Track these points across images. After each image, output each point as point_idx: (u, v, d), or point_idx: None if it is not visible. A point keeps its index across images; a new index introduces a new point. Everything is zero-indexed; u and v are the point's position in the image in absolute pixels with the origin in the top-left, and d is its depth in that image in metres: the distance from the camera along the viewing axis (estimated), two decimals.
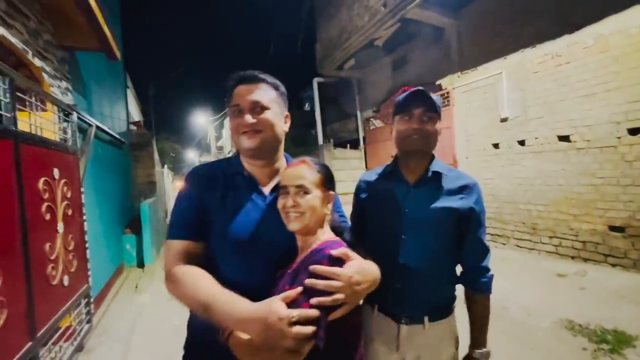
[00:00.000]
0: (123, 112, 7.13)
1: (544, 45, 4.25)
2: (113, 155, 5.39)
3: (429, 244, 1.03)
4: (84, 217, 3.17)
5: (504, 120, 4.85)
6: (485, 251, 1.06)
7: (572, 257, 4.08)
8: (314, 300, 0.68)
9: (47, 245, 2.29)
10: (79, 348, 2.71)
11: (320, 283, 0.70)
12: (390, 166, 1.15)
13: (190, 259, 0.84)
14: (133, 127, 7.82)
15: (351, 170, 7.94)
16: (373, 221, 1.13)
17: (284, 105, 0.96)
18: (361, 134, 8.46)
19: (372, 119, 8.05)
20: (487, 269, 1.06)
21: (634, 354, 2.22)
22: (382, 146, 7.35)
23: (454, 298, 1.09)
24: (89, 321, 3.01)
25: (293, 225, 0.81)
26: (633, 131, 3.48)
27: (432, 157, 1.10)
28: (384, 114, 7.53)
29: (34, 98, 2.30)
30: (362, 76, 8.46)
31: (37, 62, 2.64)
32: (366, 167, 8.09)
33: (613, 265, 3.69)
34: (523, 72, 4.52)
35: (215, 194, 0.89)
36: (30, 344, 1.90)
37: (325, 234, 0.84)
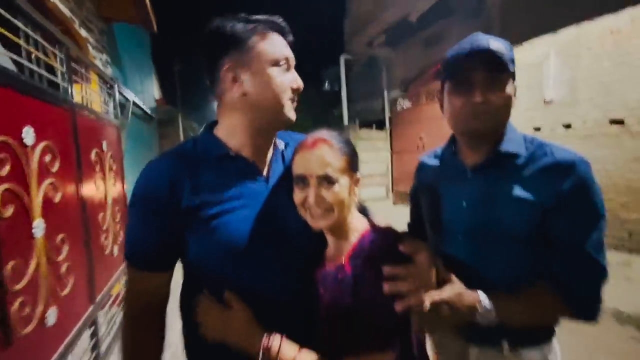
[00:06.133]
0: (151, 87, 7.16)
1: (604, 18, 3.91)
2: (143, 130, 5.46)
3: (498, 251, 0.75)
4: (126, 191, 3.25)
5: (548, 102, 4.58)
6: (589, 267, 0.70)
7: (615, 248, 3.92)
8: (399, 307, 0.60)
9: (100, 216, 2.35)
10: None
11: (402, 286, 0.61)
12: (446, 146, 0.89)
13: (157, 297, 0.72)
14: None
15: (376, 151, 7.81)
16: (426, 215, 0.89)
17: None
18: (387, 115, 8.24)
19: (399, 99, 7.80)
20: (591, 296, 0.71)
21: None
22: (410, 128, 7.14)
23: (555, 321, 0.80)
24: None
25: (318, 224, 0.67)
26: None
27: (504, 132, 0.78)
28: (413, 94, 7.27)
29: (83, 69, 2.30)
30: (391, 54, 8.14)
31: (83, 32, 2.62)
32: (391, 148, 7.93)
33: None
34: (576, 49, 4.20)
35: (193, 188, 0.67)
36: (91, 307, 1.99)
37: (355, 218, 0.72)
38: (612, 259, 3.83)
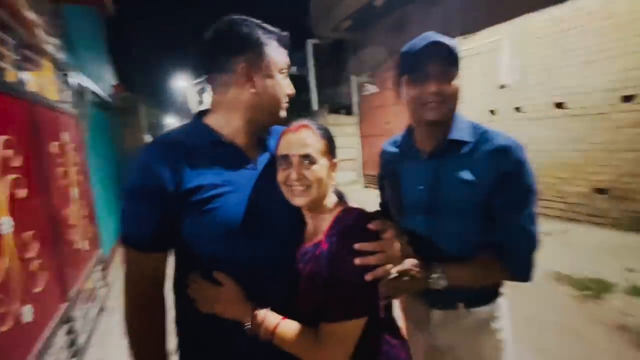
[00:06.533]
0: (108, 73, 6.69)
1: (549, 9, 4.23)
2: (102, 119, 5.15)
3: (451, 227, 0.86)
4: (91, 183, 3.12)
5: (502, 87, 4.92)
6: (523, 237, 0.81)
7: (557, 217, 4.40)
8: (369, 277, 0.68)
9: (67, 211, 2.27)
10: (101, 309, 2.80)
11: (371, 259, 0.68)
12: (404, 135, 0.99)
13: (158, 277, 0.76)
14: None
15: (345, 137, 7.95)
16: (390, 197, 0.99)
17: None
18: (355, 100, 8.36)
19: (367, 84, 7.93)
20: (526, 260, 0.82)
21: (614, 298, 2.53)
22: (378, 112, 7.33)
23: (499, 283, 0.92)
24: (106, 284, 3.08)
25: (298, 200, 0.73)
26: (626, 98, 3.64)
27: (453, 121, 0.88)
28: (379, 79, 7.43)
29: (36, 56, 2.15)
30: (358, 39, 8.19)
31: (32, 16, 2.42)
32: (360, 133, 8.10)
33: (595, 225, 4.03)
34: (525, 37, 4.52)
35: (189, 173, 0.72)
36: (66, 303, 1.96)
37: (332, 200, 0.80)
38: (554, 227, 4.29)
